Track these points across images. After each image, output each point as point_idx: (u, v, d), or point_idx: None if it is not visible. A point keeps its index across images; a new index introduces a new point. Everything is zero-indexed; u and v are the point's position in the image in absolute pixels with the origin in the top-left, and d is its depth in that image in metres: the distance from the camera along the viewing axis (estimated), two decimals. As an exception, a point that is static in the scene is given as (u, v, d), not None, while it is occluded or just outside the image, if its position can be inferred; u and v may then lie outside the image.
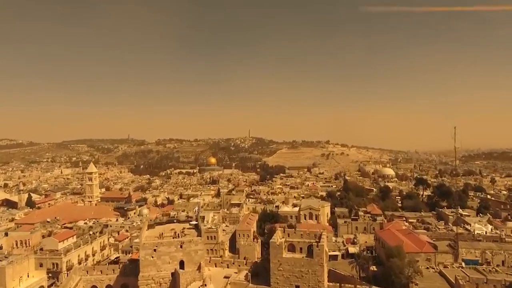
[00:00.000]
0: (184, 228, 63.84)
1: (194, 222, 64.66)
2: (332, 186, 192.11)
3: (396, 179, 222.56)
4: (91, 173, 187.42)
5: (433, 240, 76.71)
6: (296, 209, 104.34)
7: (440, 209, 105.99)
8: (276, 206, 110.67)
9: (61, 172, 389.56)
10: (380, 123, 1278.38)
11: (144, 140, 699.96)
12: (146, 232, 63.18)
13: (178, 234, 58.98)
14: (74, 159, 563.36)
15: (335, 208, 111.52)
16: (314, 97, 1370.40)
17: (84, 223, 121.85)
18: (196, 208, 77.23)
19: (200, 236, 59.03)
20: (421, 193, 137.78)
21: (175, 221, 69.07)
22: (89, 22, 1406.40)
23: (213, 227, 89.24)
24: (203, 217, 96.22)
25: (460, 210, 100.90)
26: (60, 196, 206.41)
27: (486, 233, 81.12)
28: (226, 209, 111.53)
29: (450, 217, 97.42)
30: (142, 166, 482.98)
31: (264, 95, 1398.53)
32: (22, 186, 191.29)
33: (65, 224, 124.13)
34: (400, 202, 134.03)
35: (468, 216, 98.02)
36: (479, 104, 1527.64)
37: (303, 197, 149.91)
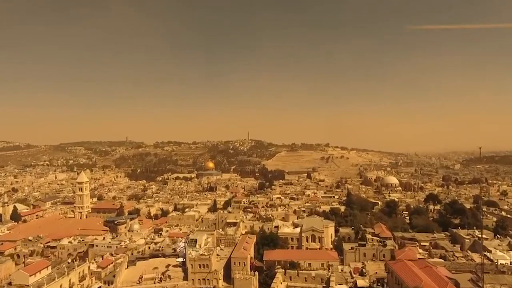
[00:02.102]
0: (169, 266, 55.38)
1: (180, 259, 56.00)
2: (334, 196, 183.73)
3: (400, 188, 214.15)
4: (81, 182, 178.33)
5: (452, 273, 68.21)
6: (297, 230, 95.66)
7: (454, 230, 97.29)
8: (275, 226, 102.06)
9: (56, 177, 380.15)
10: (379, 125, 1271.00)
11: (142, 142, 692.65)
12: (125, 272, 54.73)
13: (161, 277, 50.46)
14: (71, 162, 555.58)
15: (339, 227, 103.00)
16: (313, 99, 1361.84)
17: (69, 242, 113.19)
18: (182, 244, 68.49)
19: (187, 280, 50.60)
20: (432, 208, 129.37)
21: (160, 255, 60.41)
22: (86, 24, 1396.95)
23: (205, 253, 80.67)
24: (195, 241, 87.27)
25: (477, 232, 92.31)
26: (49, 206, 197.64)
27: (510, 263, 72.42)
28: (221, 229, 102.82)
29: (466, 240, 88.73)
30: (139, 170, 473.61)
31: (263, 97, 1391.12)
32: (6, 198, 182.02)
33: (48, 242, 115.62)
34: (407, 218, 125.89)
35: (486, 239, 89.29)
36: (478, 105, 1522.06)
37: (303, 211, 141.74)
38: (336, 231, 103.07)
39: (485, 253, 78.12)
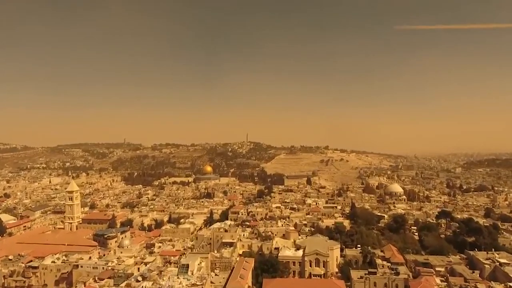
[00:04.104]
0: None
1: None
2: (336, 206, 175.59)
3: (404, 196, 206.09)
4: (71, 191, 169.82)
5: (477, 311, 60.26)
6: (299, 253, 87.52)
7: (471, 252, 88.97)
8: (275, 248, 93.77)
9: (50, 182, 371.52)
10: (379, 127, 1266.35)
11: (140, 144, 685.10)
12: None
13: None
14: (68, 165, 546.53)
15: (345, 248, 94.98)
16: (313, 101, 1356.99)
17: (52, 262, 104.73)
18: (167, 285, 60.24)
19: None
20: (444, 226, 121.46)
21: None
22: (83, 24, 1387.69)
23: (197, 283, 72.56)
24: (187, 266, 79.31)
25: (497, 255, 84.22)
26: (39, 215, 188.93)
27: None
28: (216, 251, 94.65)
29: (486, 266, 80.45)
30: (136, 174, 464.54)
31: (262, 99, 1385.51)
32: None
33: (30, 262, 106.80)
34: (416, 234, 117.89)
35: (508, 264, 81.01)
36: (478, 106, 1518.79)
37: (305, 225, 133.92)
38: (341, 249, 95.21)
39: (510, 283, 70.09)
